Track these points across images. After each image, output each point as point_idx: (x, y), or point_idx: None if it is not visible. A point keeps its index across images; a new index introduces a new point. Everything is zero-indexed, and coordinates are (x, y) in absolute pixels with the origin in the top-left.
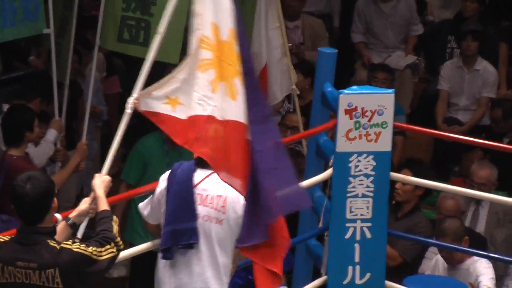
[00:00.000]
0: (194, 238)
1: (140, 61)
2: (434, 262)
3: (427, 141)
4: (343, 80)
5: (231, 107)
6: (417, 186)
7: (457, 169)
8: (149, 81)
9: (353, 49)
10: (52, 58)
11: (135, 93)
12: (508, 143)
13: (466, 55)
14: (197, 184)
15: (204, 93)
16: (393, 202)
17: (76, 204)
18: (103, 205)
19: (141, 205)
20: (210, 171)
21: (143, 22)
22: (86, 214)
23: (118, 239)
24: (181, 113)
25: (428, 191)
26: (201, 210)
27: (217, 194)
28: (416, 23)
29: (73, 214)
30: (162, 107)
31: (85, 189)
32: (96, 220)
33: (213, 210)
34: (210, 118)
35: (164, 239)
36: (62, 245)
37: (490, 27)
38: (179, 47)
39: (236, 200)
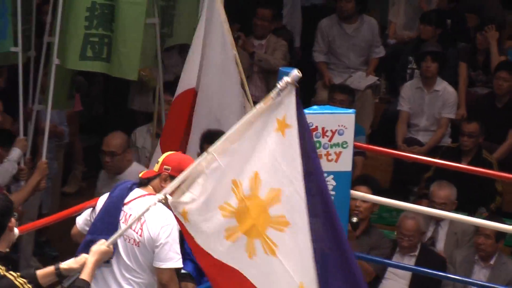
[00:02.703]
0: None
1: (99, 76)
2: None
3: (387, 162)
4: (303, 100)
5: (245, 264)
6: (373, 203)
7: (416, 190)
8: None
9: (314, 69)
10: (19, 77)
11: (169, 190)
12: (469, 164)
13: (426, 76)
14: (127, 203)
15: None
16: (353, 220)
17: None
18: (85, 274)
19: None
20: (145, 192)
21: (106, 38)
22: (74, 272)
23: None
24: (190, 229)
25: None
26: (123, 228)
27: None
28: (378, 46)
29: (64, 265)
30: (177, 215)
31: (44, 208)
32: (68, 276)
33: (132, 231)
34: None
35: (82, 246)
36: (7, 274)
37: (449, 48)
38: (137, 64)
39: (154, 225)
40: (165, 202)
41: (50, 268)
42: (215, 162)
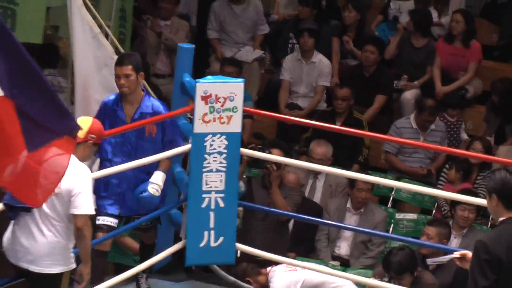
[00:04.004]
0: None
1: None
2: None
3: (272, 124)
4: (199, 72)
5: None
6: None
7: (297, 147)
8: None
9: (208, 45)
10: None
11: None
12: (342, 124)
13: (304, 50)
14: None
15: None
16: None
17: None
18: None
19: None
20: None
21: (9, 11)
22: None
23: None
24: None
25: None
26: None
27: None
28: (262, 23)
29: None
30: None
31: None
32: None
33: None
34: None
35: (7, 196)
36: None
37: (324, 25)
38: (41, 28)
39: (70, 177)
40: None
41: None
42: None
